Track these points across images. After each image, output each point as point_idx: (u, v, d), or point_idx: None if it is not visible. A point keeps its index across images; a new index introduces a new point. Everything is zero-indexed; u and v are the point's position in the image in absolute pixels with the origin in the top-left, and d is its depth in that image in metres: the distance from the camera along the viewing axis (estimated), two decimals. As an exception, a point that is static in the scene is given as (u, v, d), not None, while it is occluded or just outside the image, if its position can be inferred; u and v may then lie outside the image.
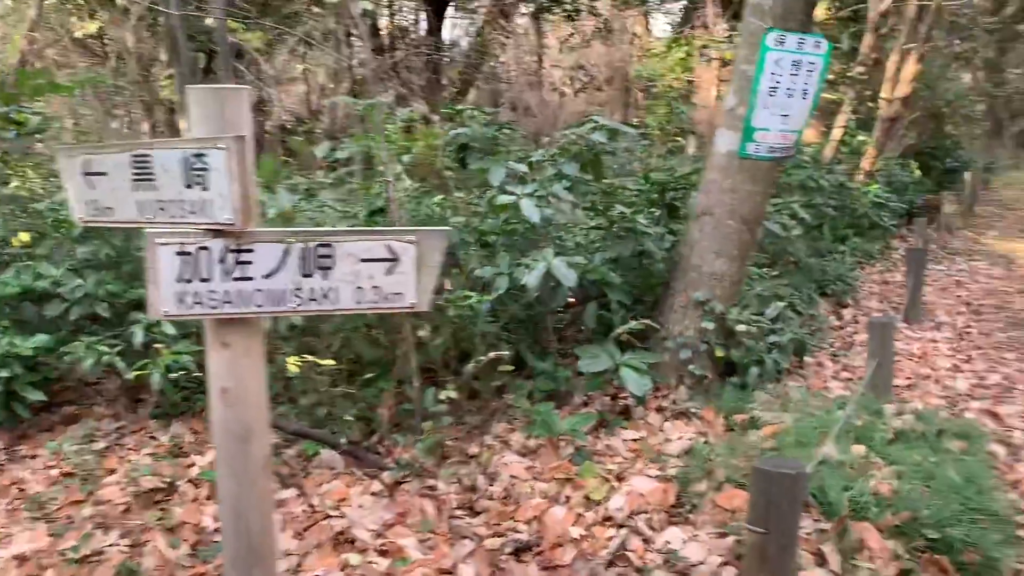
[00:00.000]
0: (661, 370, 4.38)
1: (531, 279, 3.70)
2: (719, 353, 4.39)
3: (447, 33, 14.81)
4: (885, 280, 8.52)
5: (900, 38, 9.13)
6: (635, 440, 3.88)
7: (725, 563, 2.78)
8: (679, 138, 8.17)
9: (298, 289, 2.22)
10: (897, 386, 5.27)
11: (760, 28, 3.93)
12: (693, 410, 4.14)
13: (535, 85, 12.69)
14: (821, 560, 2.79)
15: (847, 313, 6.99)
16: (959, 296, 7.94)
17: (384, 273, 2.28)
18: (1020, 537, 3.50)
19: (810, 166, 7.22)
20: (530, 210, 3.84)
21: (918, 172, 11.99)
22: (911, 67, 9.08)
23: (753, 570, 2.49)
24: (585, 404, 4.26)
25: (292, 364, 3.23)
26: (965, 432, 4.21)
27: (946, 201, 11.90)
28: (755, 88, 4.01)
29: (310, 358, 3.27)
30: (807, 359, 5.51)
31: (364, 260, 2.25)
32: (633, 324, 4.21)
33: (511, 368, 3.77)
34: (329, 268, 2.22)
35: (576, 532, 3.06)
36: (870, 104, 10.46)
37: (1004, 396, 5.21)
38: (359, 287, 2.26)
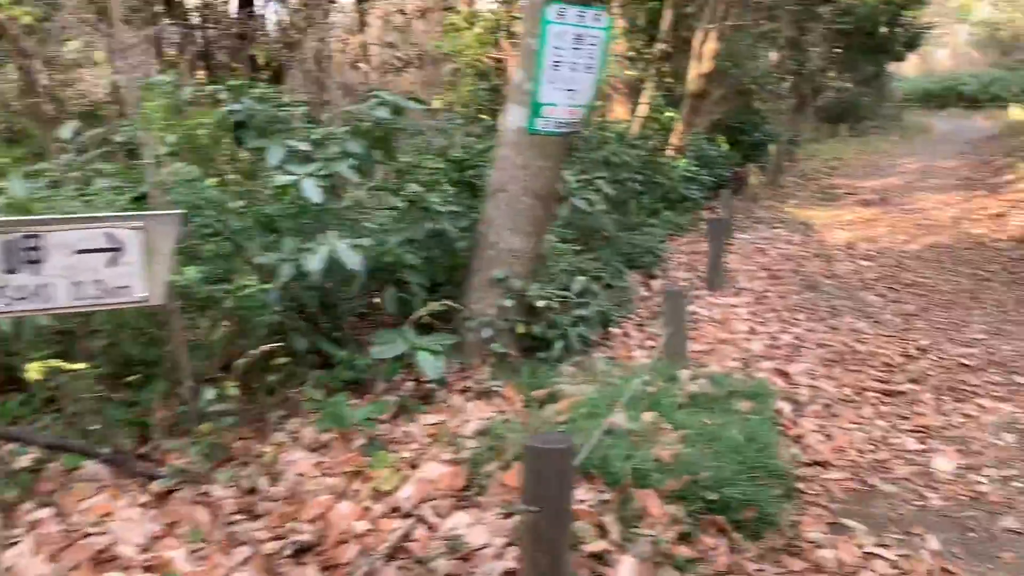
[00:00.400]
0: (465, 351, 4.32)
1: (313, 264, 3.51)
2: (521, 330, 4.37)
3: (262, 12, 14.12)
4: (694, 251, 8.87)
5: (703, 17, 9.53)
6: (435, 424, 3.78)
7: (509, 543, 2.74)
8: (484, 116, 8.16)
9: (2, 287, 1.95)
10: (698, 351, 5.47)
11: (540, 0, 3.90)
12: (496, 389, 4.10)
13: (352, 65, 12.33)
14: (603, 531, 2.80)
15: (656, 284, 7.22)
16: (760, 263, 8.39)
17: (106, 265, 2.04)
18: (800, 490, 3.70)
19: (615, 142, 7.39)
20: (311, 191, 3.65)
21: (726, 146, 12.63)
22: (712, 45, 9.50)
23: (528, 549, 2.45)
24: (389, 391, 4.14)
25: (34, 371, 2.89)
26: (754, 392, 4.41)
27: (752, 173, 12.60)
28: (540, 63, 3.98)
29: (56, 363, 2.94)
30: (614, 330, 5.62)
31: (81, 251, 2.00)
32: (434, 306, 4.11)
33: (287, 360, 3.56)
34: (39, 262, 1.96)
35: (361, 527, 2.93)
36: (670, 81, 10.85)
37: (794, 355, 5.53)
38: (77, 282, 2.01)
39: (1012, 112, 31.79)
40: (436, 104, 9.00)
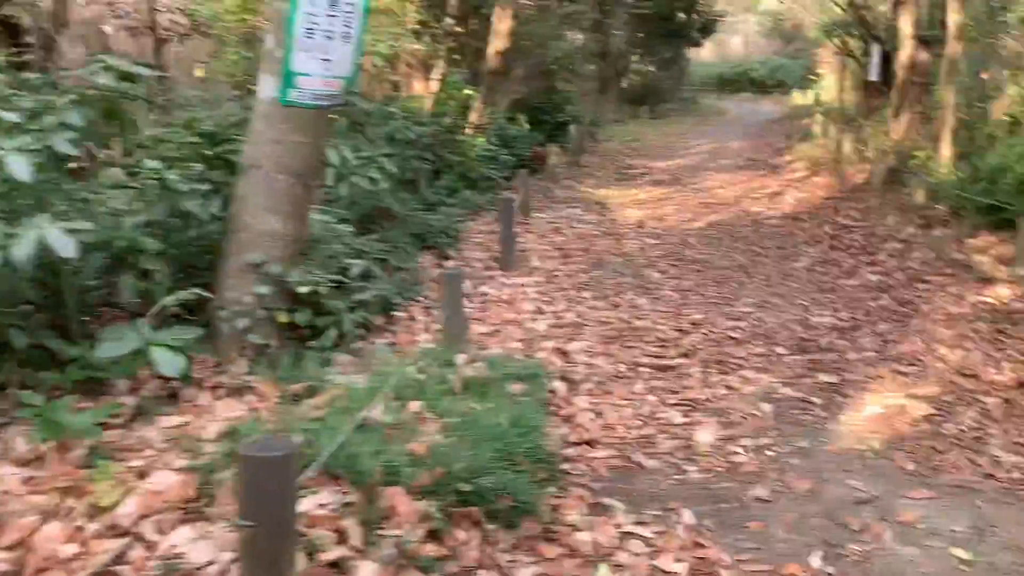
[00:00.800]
0: (219, 344, 3.97)
1: (20, 252, 3.05)
2: (283, 319, 4.08)
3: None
4: (493, 230, 8.84)
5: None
6: (177, 427, 3.43)
7: (237, 559, 2.48)
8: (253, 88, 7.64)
9: None
10: (484, 333, 5.40)
11: (289, -39, 3.60)
12: (251, 385, 3.79)
13: (132, 33, 11.28)
14: (342, 537, 2.61)
15: (450, 265, 7.11)
16: (554, 242, 8.50)
17: None
18: (565, 471, 3.68)
19: (402, 118, 7.17)
20: (19, 168, 3.16)
21: (527, 126, 12.73)
22: (507, 23, 9.47)
23: (247, 567, 2.22)
24: (132, 392, 3.72)
25: None
26: (529, 374, 4.37)
27: (553, 153, 12.82)
28: (290, 29, 3.68)
29: None
30: (399, 314, 5.44)
31: None
32: (182, 295, 3.73)
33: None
34: None
35: (70, 550, 2.56)
36: (461, 58, 10.72)
37: (575, 333, 5.58)
38: None
39: (795, 97, 34.55)
40: (199, 74, 8.37)
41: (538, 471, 3.40)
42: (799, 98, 33.67)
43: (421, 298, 5.91)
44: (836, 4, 20.45)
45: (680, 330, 5.87)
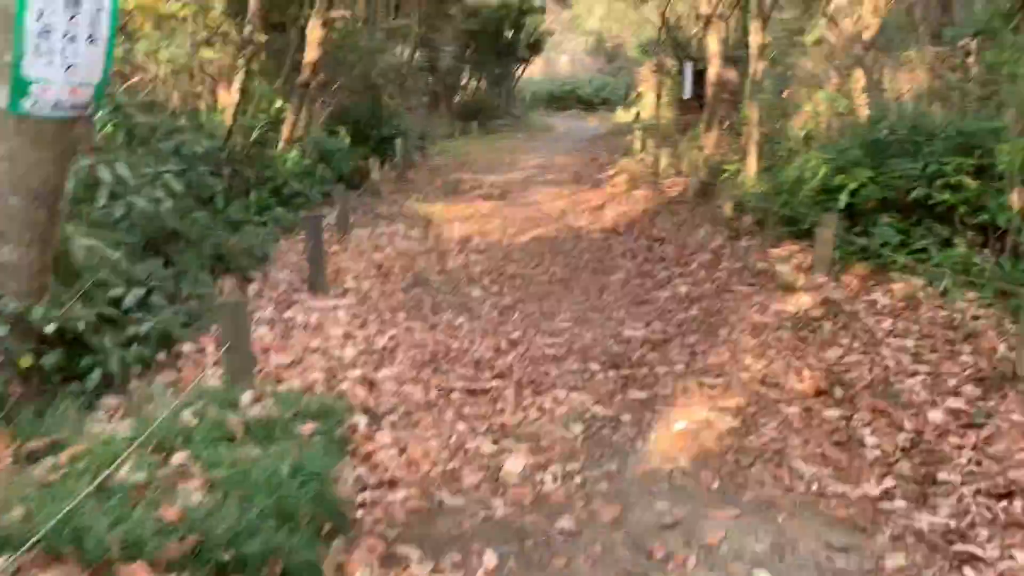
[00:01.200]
0: (-55, 395, 3.36)
1: None
2: (26, 362, 3.52)
3: None
4: (306, 250, 8.39)
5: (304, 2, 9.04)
6: None
7: None
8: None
9: None
10: (284, 365, 4.98)
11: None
12: (-18, 443, 3.22)
13: None
14: (60, 633, 2.17)
15: (253, 288, 6.61)
16: (373, 260, 8.14)
17: None
18: (356, 520, 3.35)
19: (191, 131, 6.61)
20: None
21: (349, 139, 12.30)
22: (317, 33, 9.05)
23: None
24: None
25: None
26: (326, 410, 4.02)
27: (377, 168, 12.44)
28: (20, 30, 3.16)
29: None
30: (188, 347, 4.93)
31: None
32: None
33: None
34: None
35: None
36: (265, 68, 10.20)
37: (386, 359, 5.26)
38: None
39: (618, 114, 35.87)
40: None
41: (324, 524, 3.07)
42: (622, 115, 35.03)
43: (215, 327, 5.40)
44: (653, 24, 21.37)
45: (497, 349, 5.69)
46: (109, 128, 5.97)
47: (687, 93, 18.87)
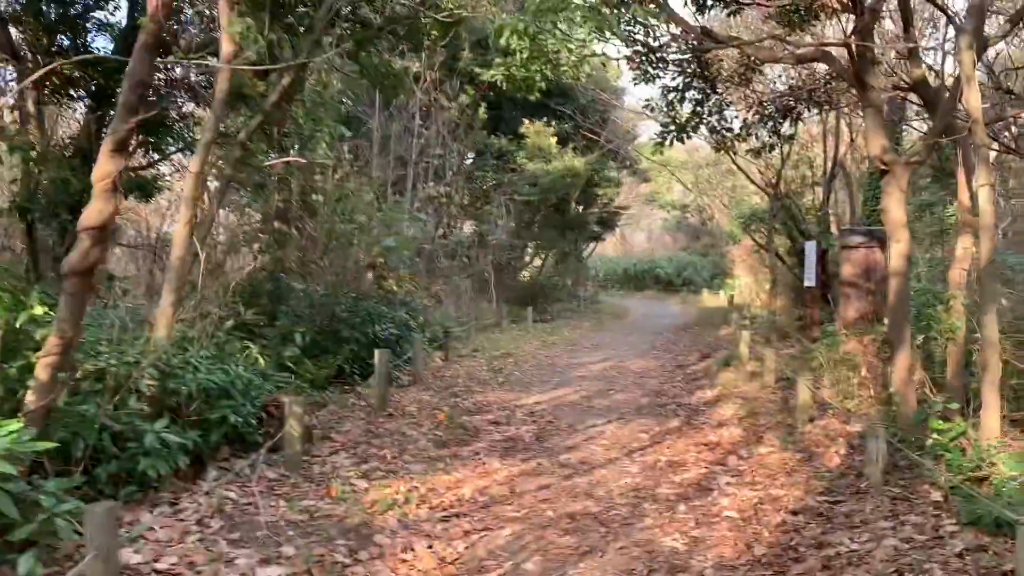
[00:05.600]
0: None
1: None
2: None
3: None
4: None
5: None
6: None
7: None
8: None
9: None
10: None
11: None
12: None
13: None
14: None
15: None
16: None
17: None
18: None
19: None
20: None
21: (298, 350, 7.49)
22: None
23: None
24: None
25: None
26: None
27: (300, 406, 7.54)
28: None
29: None
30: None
31: None
32: None
33: None
34: None
35: None
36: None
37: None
38: None
39: (705, 298, 30.98)
40: None
41: None
42: (711, 298, 30.11)
43: None
44: (763, 191, 16.66)
45: None
46: None
47: (811, 280, 13.76)
